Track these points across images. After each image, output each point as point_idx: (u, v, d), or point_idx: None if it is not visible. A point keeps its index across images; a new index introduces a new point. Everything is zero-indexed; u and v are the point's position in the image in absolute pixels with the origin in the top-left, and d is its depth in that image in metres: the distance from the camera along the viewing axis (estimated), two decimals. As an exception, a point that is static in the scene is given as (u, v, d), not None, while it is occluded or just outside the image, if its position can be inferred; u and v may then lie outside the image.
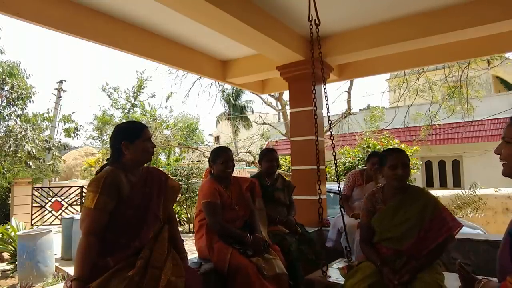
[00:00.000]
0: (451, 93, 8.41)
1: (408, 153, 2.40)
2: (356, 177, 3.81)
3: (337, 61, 4.38)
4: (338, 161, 3.02)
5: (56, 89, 16.78)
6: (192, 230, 10.08)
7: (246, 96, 22.96)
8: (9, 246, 6.69)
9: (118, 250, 1.80)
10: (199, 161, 13.36)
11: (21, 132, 11.08)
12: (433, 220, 2.14)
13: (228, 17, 2.87)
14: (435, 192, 7.67)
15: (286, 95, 11.62)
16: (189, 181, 10.76)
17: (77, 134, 13.71)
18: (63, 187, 11.76)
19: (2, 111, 11.72)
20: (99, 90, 17.91)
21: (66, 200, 11.27)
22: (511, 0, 3.12)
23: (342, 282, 2.31)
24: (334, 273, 2.66)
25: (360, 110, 13.61)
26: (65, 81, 18.08)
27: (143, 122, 13.57)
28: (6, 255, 7.03)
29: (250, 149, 13.39)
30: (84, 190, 10.52)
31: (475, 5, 3.27)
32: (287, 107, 10.90)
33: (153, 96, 17.44)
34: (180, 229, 10.24)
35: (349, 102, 10.47)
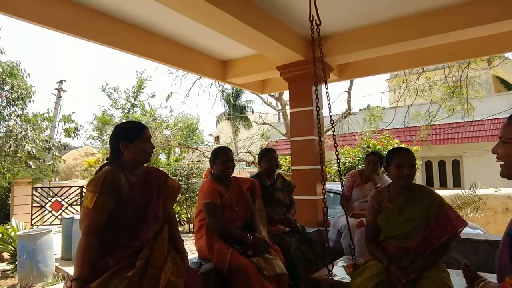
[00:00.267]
0: (451, 93, 8.41)
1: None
2: (355, 177, 3.82)
3: (337, 61, 4.38)
4: (339, 160, 3.02)
5: (56, 89, 16.79)
6: (192, 230, 10.08)
7: (246, 96, 23.00)
8: (9, 246, 6.69)
9: (118, 250, 1.80)
10: (199, 161, 13.36)
11: (21, 132, 11.08)
12: (439, 219, 2.16)
13: (228, 17, 2.87)
14: (435, 192, 7.65)
15: (286, 95, 11.63)
16: (189, 181, 10.76)
17: (77, 134, 13.72)
18: (63, 187, 11.77)
19: (2, 111, 11.72)
20: (99, 90, 17.90)
21: (66, 200, 11.27)
22: (511, 0, 3.12)
23: (348, 281, 2.33)
24: (339, 271, 2.66)
25: (360, 110, 13.61)
26: (65, 81, 18.12)
27: (143, 122, 13.57)
28: (6, 255, 7.03)
29: (250, 149, 13.39)
30: (84, 190, 10.49)
31: (475, 5, 3.27)
32: (287, 107, 10.91)
33: (153, 96, 17.51)
34: (180, 229, 10.24)
35: (349, 102, 10.48)
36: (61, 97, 16.65)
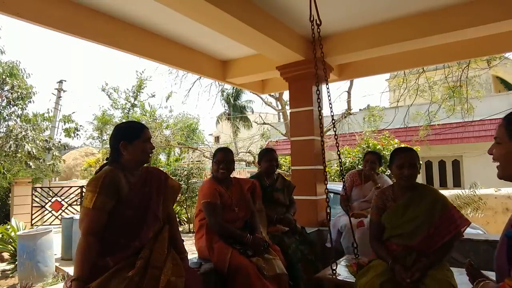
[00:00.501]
0: (451, 93, 8.41)
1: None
2: (354, 177, 3.82)
3: (337, 61, 4.38)
4: (338, 161, 3.03)
5: (56, 89, 16.78)
6: (192, 230, 10.08)
7: (246, 96, 23.01)
8: (9, 246, 6.69)
9: (117, 250, 1.80)
10: (199, 161, 13.36)
11: (21, 132, 11.08)
12: (442, 217, 2.18)
13: (228, 17, 2.87)
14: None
15: (286, 95, 11.64)
16: (189, 181, 10.76)
17: (77, 134, 13.71)
18: (63, 187, 11.76)
19: (2, 111, 11.71)
20: (99, 90, 17.91)
21: (66, 200, 11.26)
22: (511, 0, 3.12)
23: (353, 281, 2.34)
24: (342, 271, 2.65)
25: (360, 110, 13.61)
26: (65, 81, 18.12)
27: (143, 122, 13.57)
28: (6, 255, 7.03)
29: (250, 149, 13.39)
30: (84, 190, 10.49)
31: (475, 5, 3.27)
32: (287, 107, 10.91)
33: (153, 96, 17.51)
34: (180, 229, 10.23)
35: (349, 102, 10.48)
36: (61, 97, 16.64)
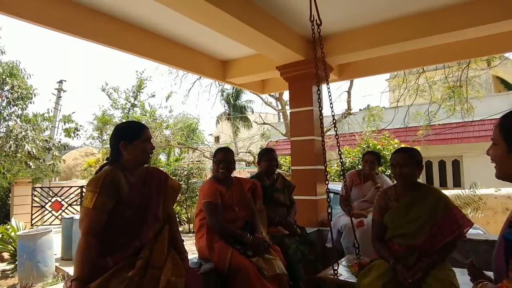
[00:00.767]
0: (451, 93, 8.41)
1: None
2: (354, 177, 3.82)
3: (337, 61, 4.38)
4: (338, 161, 3.03)
5: (56, 89, 16.77)
6: (192, 230, 10.08)
7: (246, 96, 22.99)
8: (9, 246, 6.69)
9: (117, 250, 1.80)
10: (199, 161, 13.36)
11: (21, 132, 11.08)
12: (445, 217, 2.19)
13: (228, 17, 2.87)
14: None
15: (286, 95, 11.64)
16: (189, 181, 10.76)
17: (77, 134, 13.71)
18: (63, 187, 11.76)
19: (2, 111, 11.72)
20: (99, 90, 17.91)
21: (66, 200, 11.26)
22: (511, 0, 3.12)
23: (354, 281, 2.34)
24: (344, 271, 2.65)
25: (360, 110, 13.61)
26: (65, 81, 18.10)
27: (143, 122, 13.57)
28: (6, 255, 7.03)
29: (250, 149, 13.39)
30: (84, 190, 10.48)
31: (475, 5, 3.27)
32: (287, 107, 10.91)
33: (153, 96, 17.48)
34: (180, 229, 10.23)
35: (349, 102, 10.48)
36: (61, 97, 16.64)
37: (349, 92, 10.34)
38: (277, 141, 14.81)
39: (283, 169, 11.23)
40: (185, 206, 10.80)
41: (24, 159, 11.31)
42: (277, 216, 3.19)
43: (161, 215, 1.99)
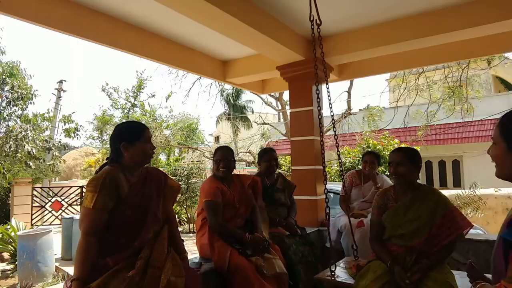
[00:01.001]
0: (451, 93, 8.41)
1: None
2: (354, 177, 3.82)
3: (337, 61, 4.38)
4: (338, 161, 3.02)
5: (56, 89, 16.77)
6: (192, 230, 10.07)
7: (246, 96, 22.98)
8: (9, 246, 6.68)
9: (117, 250, 1.80)
10: (199, 161, 13.37)
11: (21, 132, 11.08)
12: (444, 218, 2.17)
13: (228, 17, 2.87)
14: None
15: (286, 95, 11.65)
16: (189, 181, 10.75)
17: (77, 134, 13.70)
18: (63, 187, 11.75)
19: (2, 111, 11.72)
20: (99, 90, 17.91)
21: (66, 200, 11.26)
22: (511, 0, 3.12)
23: (352, 282, 2.32)
24: (342, 273, 2.65)
25: (360, 110, 13.62)
26: (65, 81, 18.05)
27: (142, 122, 13.57)
28: (6, 255, 7.03)
29: (250, 149, 13.40)
30: (84, 190, 10.46)
31: (475, 5, 3.27)
32: (287, 107, 10.91)
33: (153, 96, 17.45)
34: (180, 229, 10.24)
35: (349, 102, 10.49)
36: (61, 97, 16.63)
37: (349, 92, 10.35)
38: (277, 141, 14.82)
39: (283, 169, 11.23)
40: (185, 206, 10.79)
41: (24, 159, 11.31)
42: (277, 216, 3.19)
43: (161, 215, 1.99)
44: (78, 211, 10.39)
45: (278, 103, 12.15)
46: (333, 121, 2.98)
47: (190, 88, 11.62)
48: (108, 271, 1.71)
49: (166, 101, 28.92)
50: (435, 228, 2.16)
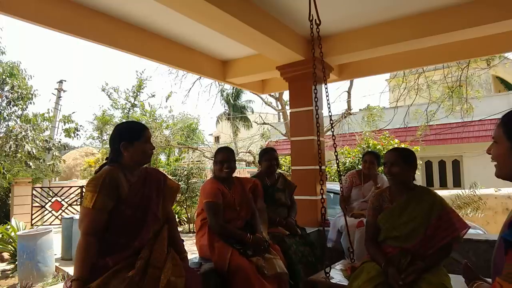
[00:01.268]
0: (450, 93, 8.41)
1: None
2: (354, 178, 3.82)
3: (337, 61, 4.38)
4: (338, 161, 3.02)
5: (56, 89, 16.77)
6: (192, 230, 10.07)
7: (246, 96, 22.99)
8: (9, 246, 6.69)
9: (117, 250, 1.80)
10: (199, 161, 13.37)
11: (21, 132, 11.09)
12: (440, 219, 2.14)
13: (228, 17, 2.87)
14: (435, 192, 7.66)
15: (286, 95, 11.64)
16: (189, 181, 10.75)
17: (77, 134, 13.71)
18: (63, 187, 11.75)
19: (2, 111, 11.72)
20: (99, 90, 17.92)
21: (66, 200, 11.26)
22: (511, 0, 3.12)
23: (346, 284, 2.31)
24: (337, 274, 2.64)
25: (360, 110, 13.62)
26: (65, 81, 18.05)
27: (142, 122, 13.57)
28: (6, 255, 7.03)
29: (250, 149, 13.39)
30: (84, 190, 10.45)
31: (475, 5, 3.27)
32: (287, 107, 10.91)
33: (153, 96, 17.45)
34: (180, 229, 10.24)
35: (349, 102, 10.49)
36: (61, 97, 16.63)
37: (349, 92, 10.35)
38: (277, 141, 14.81)
39: (283, 169, 11.23)
40: (185, 206, 10.79)
41: (24, 159, 11.31)
42: (277, 216, 3.19)
43: (161, 215, 1.99)
44: (78, 211, 10.38)
45: (278, 103, 12.15)
46: (331, 122, 2.98)
47: (190, 88, 11.62)
48: (108, 271, 1.71)
49: (166, 101, 28.94)
50: (431, 229, 2.13)
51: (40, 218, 10.91)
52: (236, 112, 22.20)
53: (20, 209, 10.38)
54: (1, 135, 11.38)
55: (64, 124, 13.51)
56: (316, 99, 2.94)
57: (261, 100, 12.58)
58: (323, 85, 3.13)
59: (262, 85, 5.72)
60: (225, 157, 2.75)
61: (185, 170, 11.13)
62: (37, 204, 10.85)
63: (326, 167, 4.33)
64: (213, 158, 2.84)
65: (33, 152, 11.17)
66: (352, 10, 3.49)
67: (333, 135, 2.91)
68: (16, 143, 10.86)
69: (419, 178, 11.72)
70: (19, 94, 11.44)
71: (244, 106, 23.47)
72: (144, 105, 16.74)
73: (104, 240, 1.78)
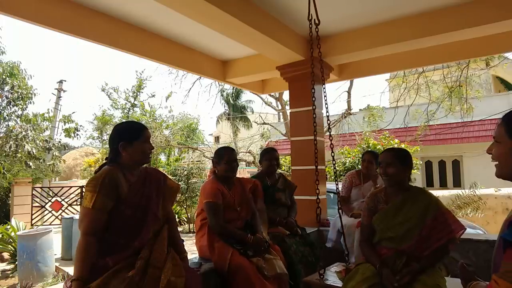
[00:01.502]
0: (450, 93, 8.41)
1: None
2: (353, 178, 3.81)
3: (337, 61, 4.38)
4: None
5: (56, 89, 16.77)
6: (192, 230, 10.07)
7: (246, 96, 22.96)
8: (9, 246, 6.68)
9: (117, 250, 1.80)
10: (199, 161, 13.37)
11: (21, 132, 11.08)
12: (435, 220, 2.12)
13: (228, 17, 2.87)
14: (435, 192, 7.66)
15: (286, 95, 11.64)
16: (189, 181, 10.75)
17: (77, 134, 13.71)
18: (63, 187, 11.75)
19: (2, 111, 11.72)
20: (99, 90, 17.91)
21: (66, 200, 11.25)
22: (510, 0, 3.12)
23: (340, 285, 2.29)
24: (331, 276, 2.64)
25: (360, 110, 13.61)
26: (65, 81, 18.04)
27: (142, 122, 13.57)
28: (6, 255, 7.03)
29: (250, 149, 13.39)
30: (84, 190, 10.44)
31: (475, 5, 3.27)
32: (287, 107, 10.91)
33: (153, 96, 17.42)
34: (180, 229, 10.24)
35: (349, 102, 10.49)
36: (61, 97, 16.64)
37: (349, 92, 10.34)
38: (277, 141, 14.81)
39: (283, 169, 11.23)
40: (185, 206, 10.79)
41: (24, 159, 11.31)
42: (277, 216, 3.20)
43: (161, 215, 1.99)
44: (78, 211, 10.37)
45: (278, 103, 12.15)
46: (328, 122, 2.97)
47: (190, 88, 11.61)
48: (108, 271, 1.71)
49: (166, 101, 28.95)
50: (426, 230, 2.11)
51: (40, 218, 10.90)
52: (236, 112, 22.19)
53: (20, 209, 10.37)
54: (1, 135, 11.38)
55: (64, 124, 13.52)
56: (313, 99, 2.92)
57: (261, 100, 12.59)
58: (321, 85, 3.13)
59: (262, 85, 5.72)
60: (232, 157, 2.76)
61: (185, 170, 11.13)
62: (37, 204, 10.85)
63: (326, 167, 4.33)
64: (213, 158, 2.83)
65: (33, 152, 11.17)
66: (352, 10, 3.49)
67: (330, 135, 2.90)
68: (16, 143, 10.86)
69: (419, 178, 11.72)
70: (19, 94, 11.44)
71: (244, 106, 23.45)
72: (144, 105, 16.73)
73: (104, 240, 1.78)
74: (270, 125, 13.39)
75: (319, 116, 4.00)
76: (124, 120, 14.99)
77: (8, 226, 7.09)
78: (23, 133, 11.10)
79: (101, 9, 3.37)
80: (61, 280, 5.79)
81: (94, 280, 1.67)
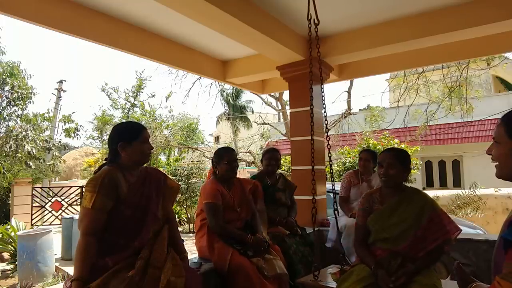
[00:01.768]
0: (450, 93, 8.41)
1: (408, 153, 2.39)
2: (351, 177, 3.81)
3: (337, 61, 4.38)
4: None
5: (56, 89, 16.78)
6: (192, 230, 10.07)
7: (246, 96, 22.97)
8: (9, 246, 6.68)
9: (117, 251, 1.80)
10: (199, 161, 13.37)
11: (21, 132, 11.09)
12: (431, 221, 2.11)
13: (228, 17, 2.87)
14: (435, 192, 7.68)
15: (286, 95, 11.64)
16: (189, 181, 10.75)
17: (77, 134, 13.72)
18: (63, 187, 11.75)
19: (2, 111, 11.72)
20: (99, 90, 17.91)
21: (66, 200, 11.25)
22: (510, 0, 3.12)
23: (334, 286, 2.27)
24: (327, 278, 2.63)
25: (360, 110, 13.61)
26: (65, 81, 18.04)
27: (142, 122, 13.58)
28: (6, 255, 7.03)
29: (250, 149, 13.39)
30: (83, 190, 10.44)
31: (475, 5, 3.27)
32: (287, 107, 10.91)
33: (153, 96, 17.42)
34: (180, 229, 10.23)
35: (349, 102, 10.48)
36: (61, 97, 16.64)
37: (349, 92, 10.34)
38: (277, 141, 14.82)
39: (283, 169, 11.23)
40: (185, 206, 10.79)
41: (24, 159, 11.31)
42: (277, 216, 3.20)
43: (161, 215, 1.99)
44: (78, 211, 10.37)
45: (278, 103, 12.15)
46: (326, 122, 2.97)
47: (190, 88, 11.61)
48: (108, 271, 1.71)
49: (166, 101, 28.95)
50: (421, 231, 2.10)
51: (40, 218, 10.91)
52: (236, 112, 22.19)
53: (20, 209, 10.37)
54: (1, 135, 11.38)
55: (64, 124, 13.52)
56: (312, 98, 2.91)
57: (261, 100, 12.59)
58: (320, 85, 3.12)
59: (262, 85, 5.72)
60: (233, 157, 2.77)
61: (185, 170, 11.13)
62: (37, 204, 10.85)
63: (326, 167, 4.33)
64: (213, 159, 2.83)
65: (33, 152, 11.17)
66: (352, 10, 3.49)
67: (327, 135, 2.90)
68: (16, 143, 10.86)
69: (419, 178, 11.72)
70: (19, 94, 11.44)
71: (244, 106, 23.45)
72: (144, 105, 16.72)
73: (103, 240, 1.78)
74: (270, 125, 13.39)
75: (319, 116, 4.00)
76: (124, 120, 14.99)
77: (8, 226, 7.09)
78: (23, 133, 11.10)
79: (101, 9, 3.37)
80: (61, 280, 5.79)
81: (94, 280, 1.67)
